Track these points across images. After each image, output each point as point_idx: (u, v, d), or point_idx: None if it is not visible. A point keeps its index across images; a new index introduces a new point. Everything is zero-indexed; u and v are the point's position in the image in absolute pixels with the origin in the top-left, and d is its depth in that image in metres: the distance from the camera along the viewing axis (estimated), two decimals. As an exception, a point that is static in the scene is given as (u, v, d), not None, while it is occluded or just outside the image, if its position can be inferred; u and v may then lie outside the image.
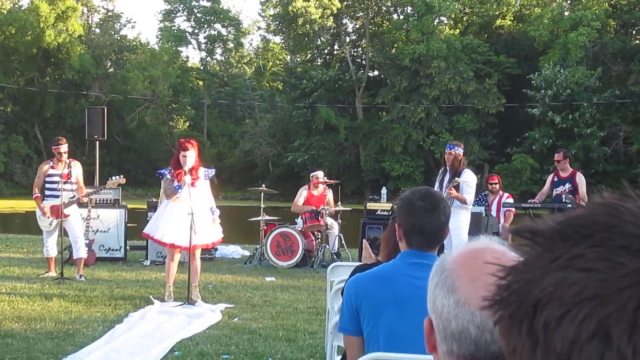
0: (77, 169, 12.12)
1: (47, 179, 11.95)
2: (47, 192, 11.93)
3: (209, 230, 10.07)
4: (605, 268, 0.70)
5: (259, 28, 74.77)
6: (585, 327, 0.69)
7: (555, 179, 12.68)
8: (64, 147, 12.00)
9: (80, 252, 11.92)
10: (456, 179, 10.78)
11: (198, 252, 10.10)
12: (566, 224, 0.76)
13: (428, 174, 49.82)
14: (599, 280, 0.70)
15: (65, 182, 11.70)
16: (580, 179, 12.43)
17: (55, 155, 12.04)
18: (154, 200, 14.61)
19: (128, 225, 14.46)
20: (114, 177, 12.42)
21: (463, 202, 10.86)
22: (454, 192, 10.70)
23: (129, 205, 15.40)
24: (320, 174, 14.80)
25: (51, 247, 12.13)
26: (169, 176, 9.95)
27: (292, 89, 56.98)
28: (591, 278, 0.70)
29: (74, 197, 11.86)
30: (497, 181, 14.43)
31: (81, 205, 12.84)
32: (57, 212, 11.65)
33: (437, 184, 11.01)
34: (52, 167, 11.97)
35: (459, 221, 10.66)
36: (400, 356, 3.02)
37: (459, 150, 11.04)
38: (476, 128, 50.07)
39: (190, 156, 9.87)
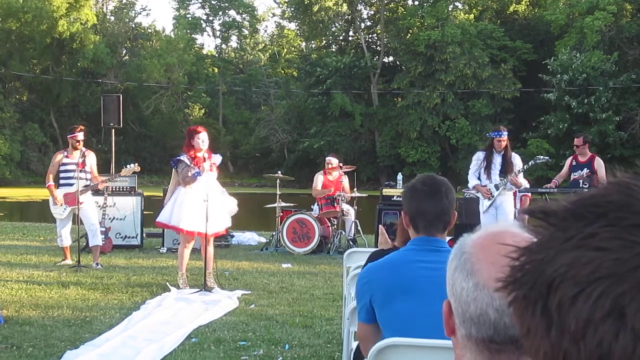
0: (91, 158, 12.11)
1: (62, 167, 11.93)
2: (61, 181, 11.93)
3: (222, 217, 10.06)
4: (619, 247, 0.70)
5: (274, 15, 75.26)
6: (600, 306, 0.69)
7: (574, 163, 12.67)
8: (81, 135, 11.97)
9: (96, 239, 11.96)
10: (519, 168, 11.18)
11: (212, 239, 10.10)
12: (579, 204, 0.76)
13: (444, 160, 49.71)
14: (613, 259, 0.70)
15: (80, 171, 11.73)
16: (599, 164, 12.42)
17: (71, 143, 12.01)
18: (170, 187, 14.62)
19: (144, 212, 14.51)
20: (129, 165, 12.40)
21: (520, 187, 11.28)
22: (519, 179, 11.07)
23: (145, 192, 15.44)
24: (334, 160, 14.67)
25: (65, 237, 12.18)
26: (187, 161, 9.88)
27: (307, 75, 56.95)
28: (605, 257, 0.70)
29: (87, 185, 11.90)
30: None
31: (97, 193, 12.90)
32: (71, 200, 11.69)
33: (481, 169, 11.16)
34: (67, 157, 11.98)
35: (509, 203, 11.15)
36: (413, 341, 3.03)
37: (506, 135, 11.24)
38: (492, 113, 49.85)
39: (205, 139, 9.92)
